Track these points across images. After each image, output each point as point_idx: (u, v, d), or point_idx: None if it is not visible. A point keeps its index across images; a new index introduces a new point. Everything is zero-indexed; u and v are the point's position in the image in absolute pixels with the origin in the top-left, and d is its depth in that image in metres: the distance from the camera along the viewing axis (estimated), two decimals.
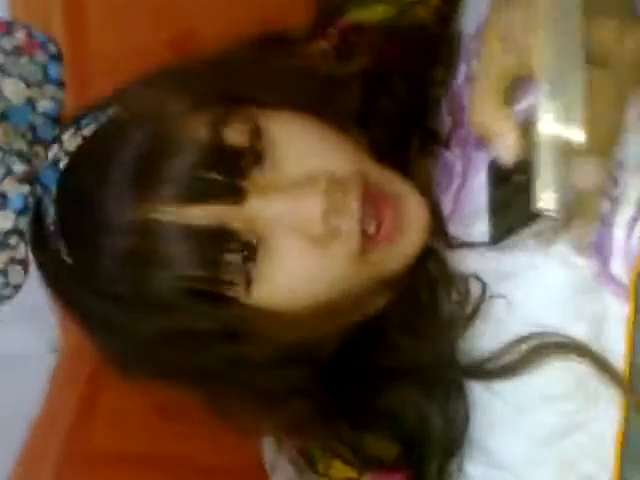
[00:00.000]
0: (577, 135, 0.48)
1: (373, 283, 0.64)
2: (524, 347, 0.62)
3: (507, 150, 0.52)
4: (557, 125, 0.48)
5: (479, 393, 0.66)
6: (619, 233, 0.61)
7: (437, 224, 0.66)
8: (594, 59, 0.50)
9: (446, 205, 0.67)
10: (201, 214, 0.58)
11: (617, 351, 0.62)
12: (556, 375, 0.63)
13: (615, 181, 0.62)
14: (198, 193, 0.58)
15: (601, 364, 0.61)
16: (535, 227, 0.53)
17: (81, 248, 0.62)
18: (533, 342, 0.62)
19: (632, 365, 0.62)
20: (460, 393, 0.67)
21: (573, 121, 0.47)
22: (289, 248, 0.60)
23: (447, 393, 0.67)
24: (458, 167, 0.68)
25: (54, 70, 0.64)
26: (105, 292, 0.61)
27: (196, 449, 1.17)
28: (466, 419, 0.66)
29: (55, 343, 1.28)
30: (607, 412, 0.62)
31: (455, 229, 0.67)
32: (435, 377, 0.67)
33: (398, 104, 0.72)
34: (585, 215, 0.53)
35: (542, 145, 0.49)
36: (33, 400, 1.17)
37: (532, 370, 0.62)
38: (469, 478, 0.67)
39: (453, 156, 0.69)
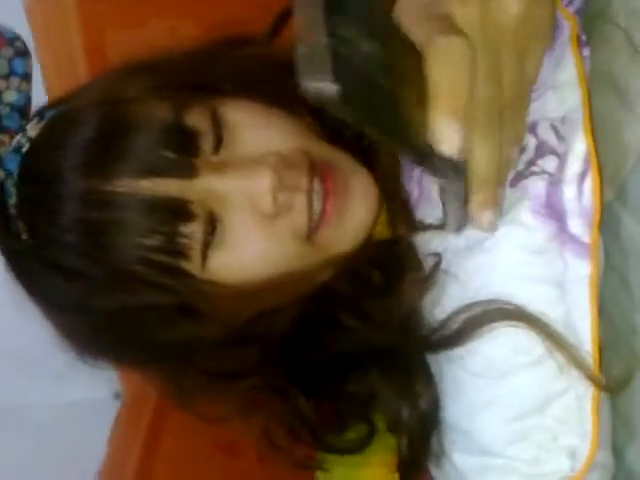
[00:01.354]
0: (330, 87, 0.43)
1: (323, 259, 0.65)
2: (464, 316, 0.61)
3: (448, 143, 0.48)
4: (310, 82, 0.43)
5: (451, 374, 0.65)
6: (569, 190, 0.60)
7: (404, 211, 0.67)
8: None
9: (412, 191, 0.67)
10: (154, 187, 0.59)
11: (583, 312, 0.60)
12: (514, 341, 0.61)
13: (560, 137, 0.61)
14: (152, 168, 0.60)
15: (547, 332, 0.59)
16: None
17: (39, 225, 0.63)
18: (475, 310, 0.61)
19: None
20: (426, 374, 0.66)
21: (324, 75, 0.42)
22: (241, 224, 0.62)
23: (411, 375, 0.67)
24: None
25: (20, 64, 0.67)
26: (63, 267, 0.62)
27: None
28: (435, 401, 0.66)
29: (117, 390, 1.31)
30: (581, 379, 0.60)
31: (422, 213, 0.66)
32: (396, 359, 0.68)
33: None
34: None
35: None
36: (98, 445, 1.20)
37: (476, 337, 0.61)
38: (458, 468, 0.65)
39: None
